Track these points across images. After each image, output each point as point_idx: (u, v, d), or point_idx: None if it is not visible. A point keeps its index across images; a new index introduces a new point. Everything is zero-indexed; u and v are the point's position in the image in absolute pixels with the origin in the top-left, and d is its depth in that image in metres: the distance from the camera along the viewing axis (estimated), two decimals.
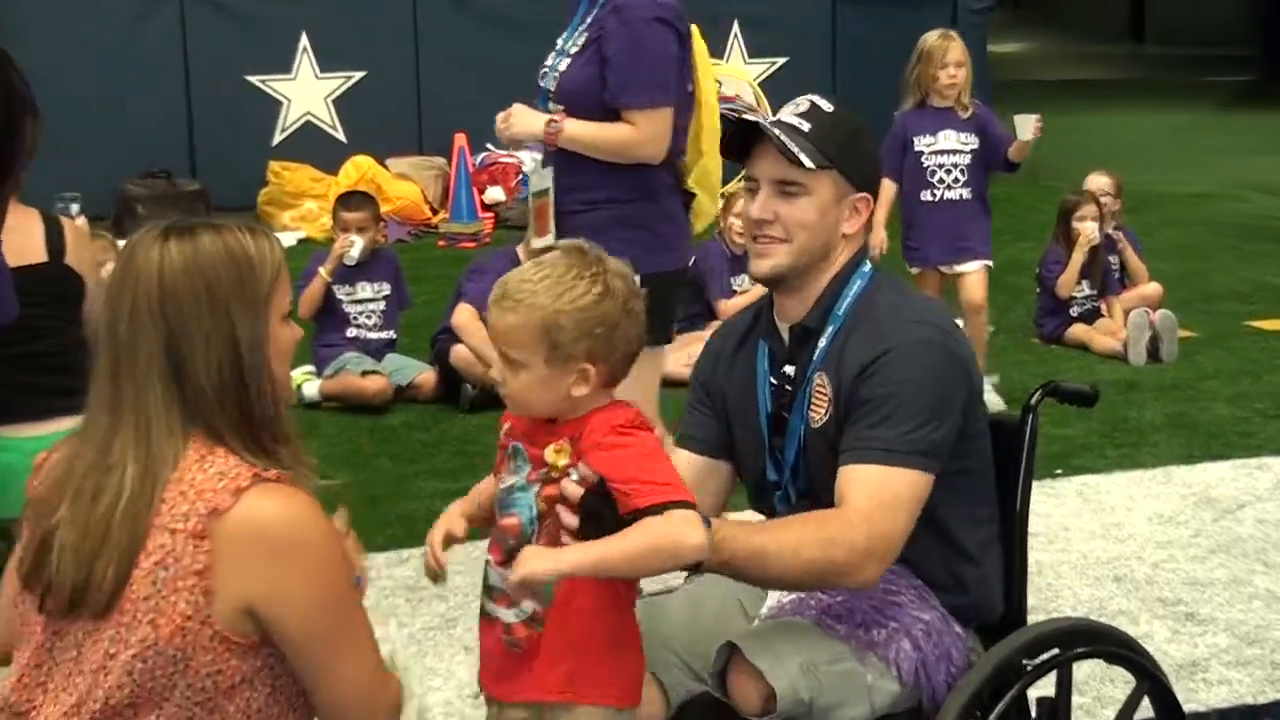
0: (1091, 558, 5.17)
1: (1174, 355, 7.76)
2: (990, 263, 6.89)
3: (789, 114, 2.88)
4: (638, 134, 4.17)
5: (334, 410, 6.96)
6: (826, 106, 2.89)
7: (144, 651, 2.17)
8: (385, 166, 11.97)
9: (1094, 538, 5.35)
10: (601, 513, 2.41)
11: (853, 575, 2.60)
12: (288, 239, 11.19)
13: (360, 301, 7.25)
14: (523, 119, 4.27)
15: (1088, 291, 8.16)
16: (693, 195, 4.44)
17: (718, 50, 13.03)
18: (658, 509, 2.39)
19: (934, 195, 6.73)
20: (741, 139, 2.90)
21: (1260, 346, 8.07)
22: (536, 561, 2.34)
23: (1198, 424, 6.66)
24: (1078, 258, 7.98)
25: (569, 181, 4.25)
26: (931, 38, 6.78)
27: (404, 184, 11.88)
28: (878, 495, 2.64)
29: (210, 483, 2.20)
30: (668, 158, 4.28)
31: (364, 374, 6.97)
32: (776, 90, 13.02)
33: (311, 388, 7.05)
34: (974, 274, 6.78)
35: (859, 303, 2.85)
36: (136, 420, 2.22)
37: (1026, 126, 6.56)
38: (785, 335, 2.92)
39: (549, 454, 2.51)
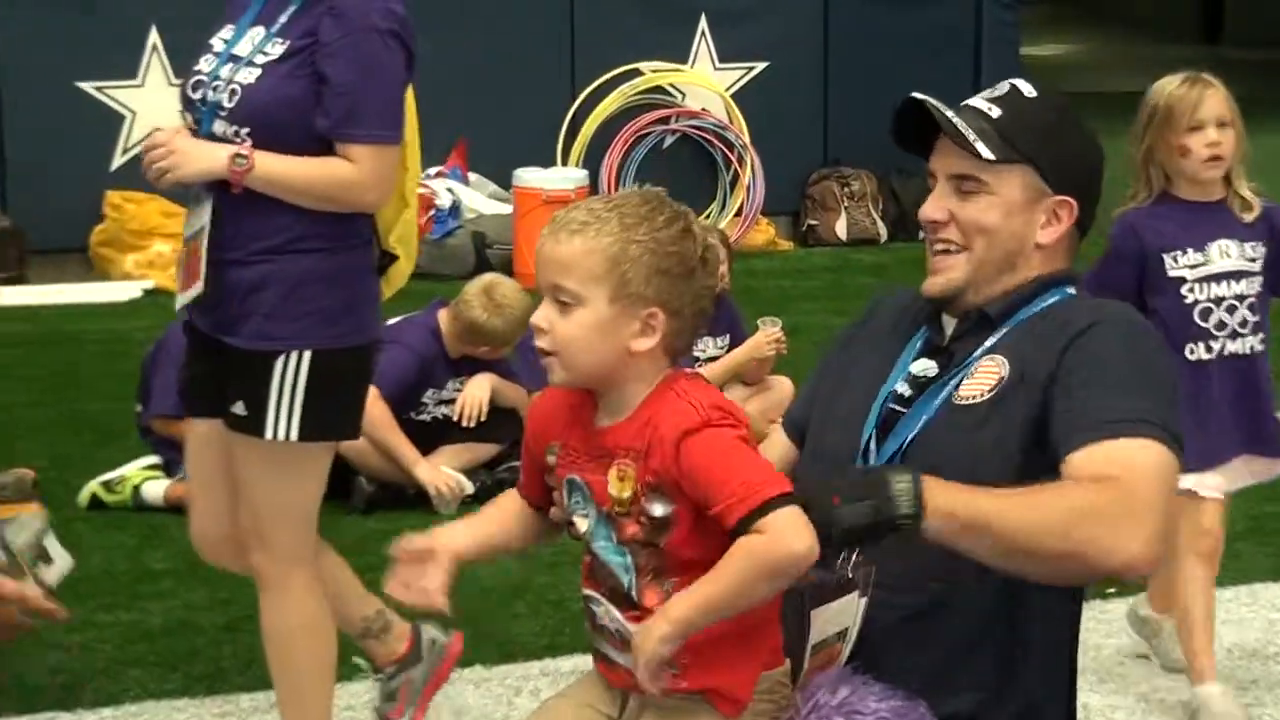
0: (1154, 700, 5.20)
1: None
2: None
3: (981, 99, 2.99)
4: (360, 174, 4.10)
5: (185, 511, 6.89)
6: (1029, 91, 3.01)
7: None
8: None
9: (1157, 675, 5.39)
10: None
11: (1115, 535, 2.63)
12: (131, 289, 11.17)
13: None
14: (196, 154, 4.15)
15: None
16: (393, 257, 4.37)
17: (681, 54, 13.13)
18: (748, 521, 2.62)
19: (1210, 349, 5.03)
20: (919, 125, 2.99)
21: None
22: (649, 643, 2.64)
23: None
24: None
25: (247, 226, 4.16)
26: (1169, 85, 5.04)
27: None
28: (1123, 466, 2.69)
29: None
30: None
31: None
32: (756, 102, 13.12)
33: (154, 490, 6.98)
34: (1218, 503, 5.19)
35: (1049, 309, 2.96)
36: None
37: None
38: (950, 326, 3.02)
39: (611, 484, 2.74)
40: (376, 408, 6.71)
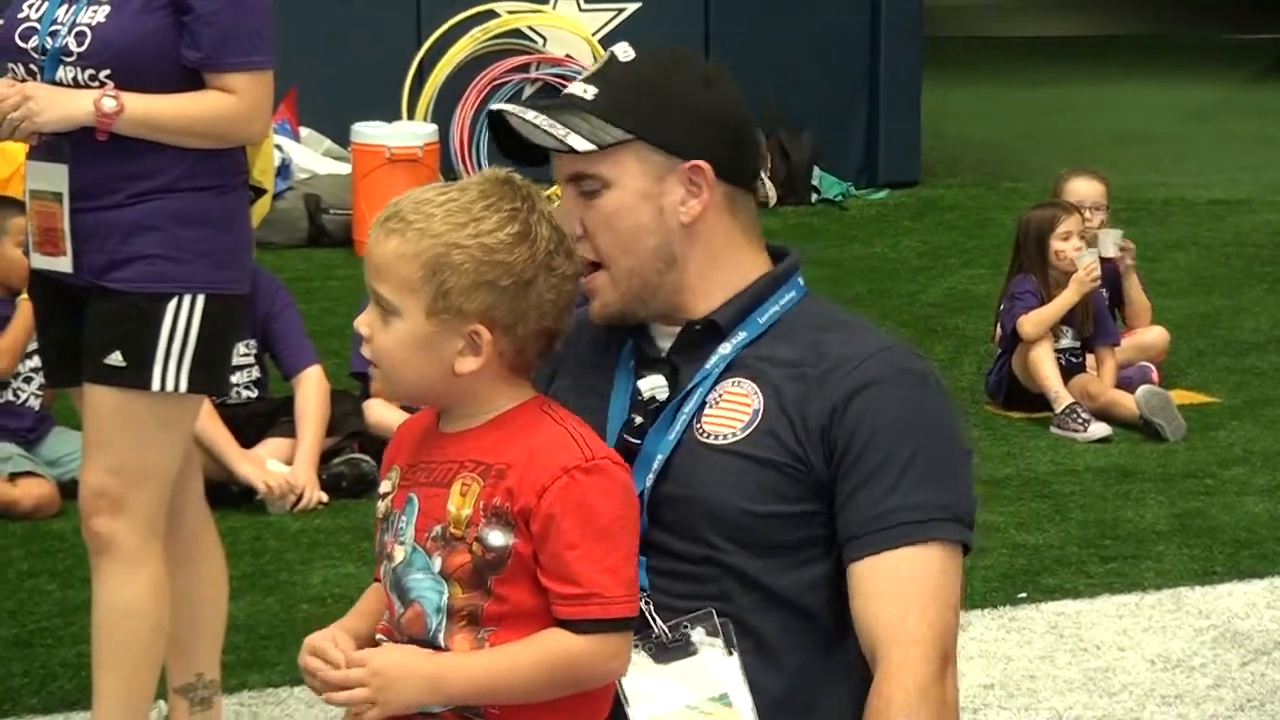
0: (1070, 717, 5.25)
1: (1181, 431, 7.84)
2: None
3: (577, 82, 2.96)
4: (242, 105, 4.25)
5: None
6: (626, 55, 2.95)
7: None
8: None
9: (1073, 689, 5.43)
10: None
11: (945, 696, 2.80)
12: None
13: None
14: (55, 100, 4.19)
15: (1068, 341, 8.25)
16: (262, 190, 4.59)
17: None
18: (581, 628, 2.64)
19: None
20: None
21: None
22: (393, 688, 2.62)
23: (1219, 528, 6.77)
24: (1070, 298, 8.02)
25: (117, 171, 4.24)
26: None
27: None
28: (914, 596, 2.81)
29: None
30: None
31: (13, 476, 6.78)
32: None
33: None
34: None
35: (789, 313, 2.95)
36: None
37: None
38: (663, 337, 2.98)
39: (452, 499, 2.68)
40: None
